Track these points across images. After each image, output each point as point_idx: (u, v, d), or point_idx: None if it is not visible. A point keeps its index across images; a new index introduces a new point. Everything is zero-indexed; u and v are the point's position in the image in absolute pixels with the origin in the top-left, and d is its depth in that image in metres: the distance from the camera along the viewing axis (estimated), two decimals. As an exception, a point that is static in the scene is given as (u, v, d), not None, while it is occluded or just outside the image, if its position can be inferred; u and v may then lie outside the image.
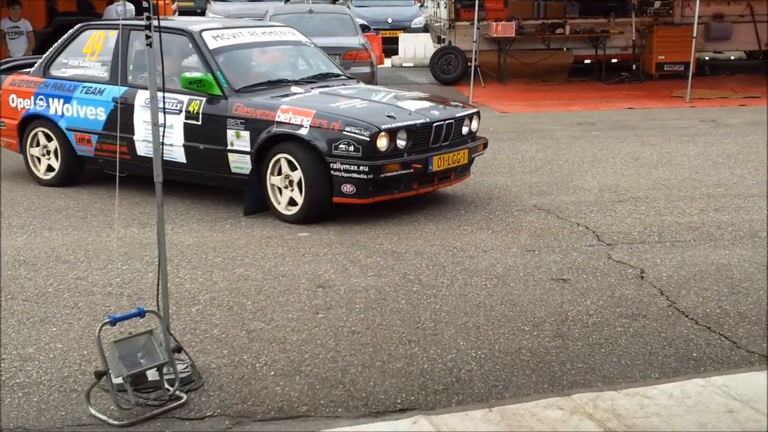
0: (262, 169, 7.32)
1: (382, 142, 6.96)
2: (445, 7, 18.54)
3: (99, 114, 8.15)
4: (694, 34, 15.24)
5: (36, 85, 8.61)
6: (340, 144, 6.96)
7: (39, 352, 4.70)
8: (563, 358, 4.62)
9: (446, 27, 18.56)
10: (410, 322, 5.11)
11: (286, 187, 7.22)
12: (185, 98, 7.60)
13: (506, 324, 5.08)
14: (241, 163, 7.42)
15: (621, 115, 13.40)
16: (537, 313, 5.24)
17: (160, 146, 4.43)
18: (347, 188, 7.01)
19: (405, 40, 21.94)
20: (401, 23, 23.48)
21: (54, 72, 8.63)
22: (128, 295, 5.53)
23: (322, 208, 7.16)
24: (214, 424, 3.95)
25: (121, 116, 7.87)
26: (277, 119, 7.21)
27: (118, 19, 11.39)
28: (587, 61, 18.74)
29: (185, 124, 7.60)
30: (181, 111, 7.60)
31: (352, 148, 6.93)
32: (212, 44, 7.83)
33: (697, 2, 14.99)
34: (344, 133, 6.96)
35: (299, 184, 7.12)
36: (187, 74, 7.46)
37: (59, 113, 8.40)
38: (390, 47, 21.34)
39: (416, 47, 21.54)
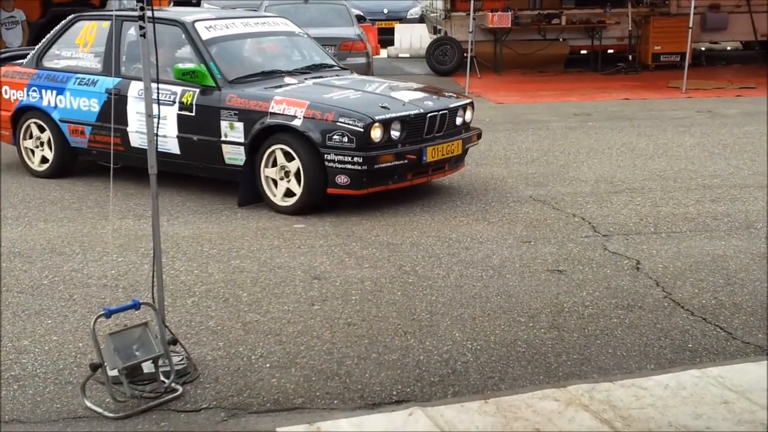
0: (257, 160, 7.30)
1: (376, 133, 6.96)
2: (442, -2, 18.53)
3: (92, 105, 8.12)
4: (691, 25, 15.22)
5: (29, 77, 8.58)
6: (333, 135, 6.95)
7: (34, 344, 4.69)
8: (559, 350, 4.62)
9: (442, 17, 18.55)
10: (406, 313, 5.10)
11: (281, 178, 7.21)
12: (178, 89, 7.58)
13: (502, 315, 5.07)
14: (235, 154, 7.41)
15: (617, 106, 13.40)
16: (533, 304, 5.24)
17: (155, 137, 4.41)
18: (341, 179, 7.00)
19: (401, 31, 21.92)
20: (397, 14, 23.47)
21: (47, 63, 8.59)
22: (123, 287, 5.52)
23: (318, 199, 7.15)
24: (209, 417, 3.95)
25: (115, 107, 7.85)
26: (270, 110, 7.20)
27: (118, 9, 11.38)
28: (583, 52, 18.75)
29: (179, 116, 7.58)
30: (174, 102, 7.58)
31: (345, 139, 6.92)
32: (205, 35, 7.81)
33: (694, -8, 14.99)
34: (338, 123, 6.95)
35: (296, 175, 7.11)
36: (181, 65, 7.45)
37: (52, 104, 8.38)
38: (386, 38, 21.33)
39: (412, 38, 21.53)
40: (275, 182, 7.27)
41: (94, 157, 8.32)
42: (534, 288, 5.51)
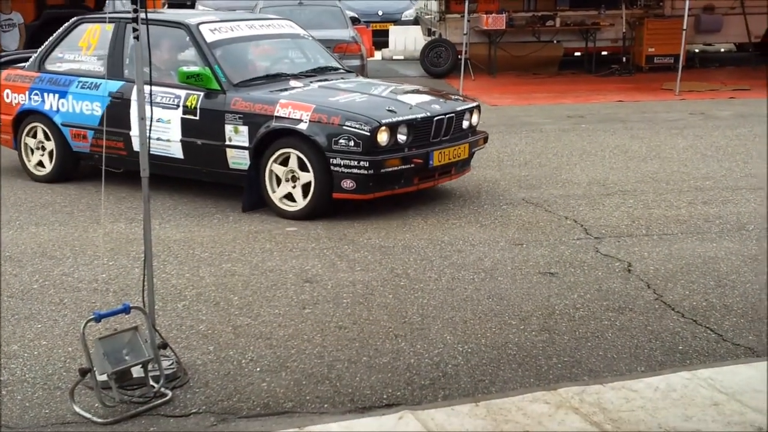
0: (261, 165, 7.22)
1: (383, 137, 6.87)
2: (436, 0, 18.52)
3: (95, 109, 8.02)
4: (684, 27, 15.25)
5: (31, 80, 8.48)
6: (340, 139, 6.86)
7: (23, 349, 4.68)
8: (550, 352, 4.62)
9: (437, 19, 18.56)
10: (397, 316, 5.10)
11: (287, 181, 7.11)
12: (182, 93, 7.49)
13: (493, 318, 5.07)
14: (239, 159, 7.32)
15: (610, 108, 13.41)
16: (524, 307, 5.24)
17: (148, 141, 4.40)
18: (347, 184, 6.92)
19: (395, 33, 21.94)
20: (391, 16, 23.48)
21: (49, 66, 8.48)
22: (114, 291, 5.51)
23: (324, 204, 7.09)
24: (199, 421, 3.94)
25: (118, 111, 7.80)
26: (276, 114, 7.11)
27: (113, 12, 11.29)
28: (577, 54, 18.76)
29: (183, 119, 7.49)
30: (178, 106, 7.50)
31: (352, 143, 6.84)
32: (210, 37, 7.71)
33: (687, -6, 15.01)
34: (344, 127, 6.87)
35: (305, 184, 7.01)
36: (185, 68, 7.37)
37: (54, 108, 8.27)
38: (380, 40, 21.33)
39: (406, 40, 21.54)
40: (278, 181, 7.16)
41: (97, 161, 8.14)
42: (525, 290, 5.51)
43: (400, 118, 7.03)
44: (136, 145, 7.72)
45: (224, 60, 7.62)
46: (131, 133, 7.72)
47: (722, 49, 21.48)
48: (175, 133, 7.54)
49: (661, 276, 5.75)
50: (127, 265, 5.99)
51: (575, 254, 6.21)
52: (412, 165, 7.08)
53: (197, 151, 7.50)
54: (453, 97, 8.04)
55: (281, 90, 7.47)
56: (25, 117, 8.53)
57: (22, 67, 8.73)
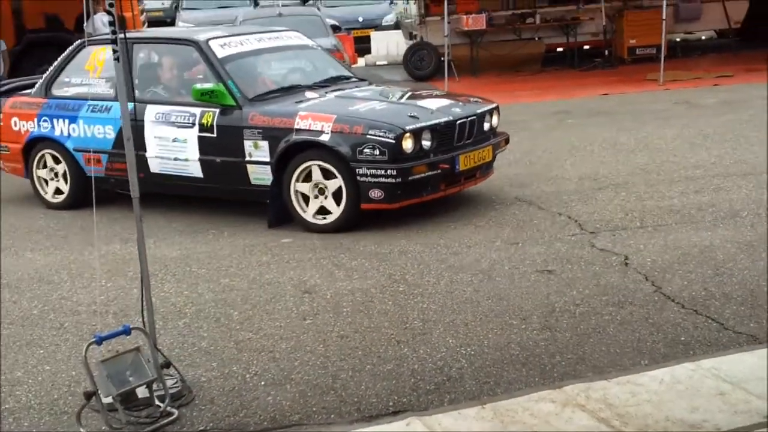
0: (285, 179, 7.09)
1: (408, 144, 6.78)
2: (415, 3, 18.54)
3: (107, 132, 7.87)
4: (664, 16, 15.30)
5: (39, 107, 8.33)
6: (364, 148, 6.77)
7: (27, 375, 4.67)
8: (552, 350, 4.63)
9: (417, 23, 18.57)
10: (398, 322, 5.10)
11: (315, 197, 7.01)
12: (197, 111, 7.37)
13: (494, 319, 5.08)
14: (261, 174, 7.18)
15: (596, 102, 13.45)
16: (524, 306, 5.25)
17: (134, 161, 4.39)
18: (375, 193, 6.82)
19: (377, 39, 21.93)
20: (372, 21, 23.45)
21: (56, 92, 8.32)
22: (114, 313, 5.50)
23: (356, 215, 7.00)
24: (207, 439, 3.94)
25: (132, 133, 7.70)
26: (296, 126, 6.99)
27: (101, 33, 11.21)
28: (559, 50, 18.81)
29: (200, 137, 7.36)
30: (194, 124, 7.37)
31: (377, 152, 6.75)
32: (220, 53, 7.58)
33: (665, -16, 15.07)
34: (368, 136, 6.77)
35: (335, 192, 6.93)
36: (198, 85, 7.26)
37: (65, 134, 8.13)
38: (362, 46, 21.32)
39: (389, 45, 21.54)
40: (306, 199, 7.08)
41: (112, 185, 7.93)
42: (524, 289, 5.52)
43: (424, 124, 6.94)
44: (153, 167, 7.62)
45: (237, 75, 7.47)
46: (147, 155, 7.58)
47: (703, 37, 21.56)
48: (192, 152, 7.42)
49: (658, 268, 5.76)
50: (125, 286, 5.98)
51: (571, 250, 6.22)
52: (439, 171, 6.99)
53: (217, 169, 7.38)
54: (471, 99, 7.96)
55: (298, 102, 7.33)
56: (35, 144, 8.39)
57: (28, 94, 8.59)
